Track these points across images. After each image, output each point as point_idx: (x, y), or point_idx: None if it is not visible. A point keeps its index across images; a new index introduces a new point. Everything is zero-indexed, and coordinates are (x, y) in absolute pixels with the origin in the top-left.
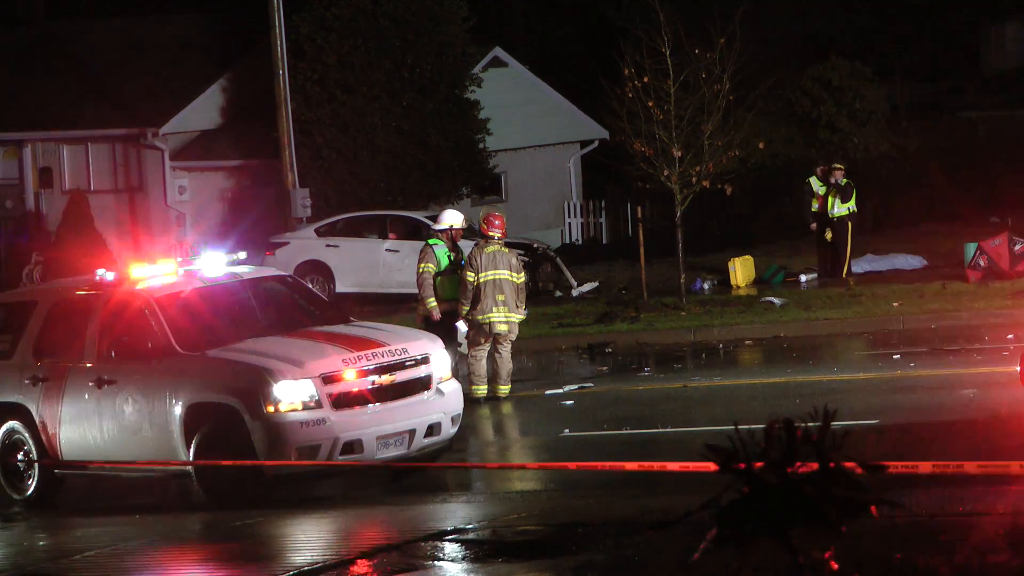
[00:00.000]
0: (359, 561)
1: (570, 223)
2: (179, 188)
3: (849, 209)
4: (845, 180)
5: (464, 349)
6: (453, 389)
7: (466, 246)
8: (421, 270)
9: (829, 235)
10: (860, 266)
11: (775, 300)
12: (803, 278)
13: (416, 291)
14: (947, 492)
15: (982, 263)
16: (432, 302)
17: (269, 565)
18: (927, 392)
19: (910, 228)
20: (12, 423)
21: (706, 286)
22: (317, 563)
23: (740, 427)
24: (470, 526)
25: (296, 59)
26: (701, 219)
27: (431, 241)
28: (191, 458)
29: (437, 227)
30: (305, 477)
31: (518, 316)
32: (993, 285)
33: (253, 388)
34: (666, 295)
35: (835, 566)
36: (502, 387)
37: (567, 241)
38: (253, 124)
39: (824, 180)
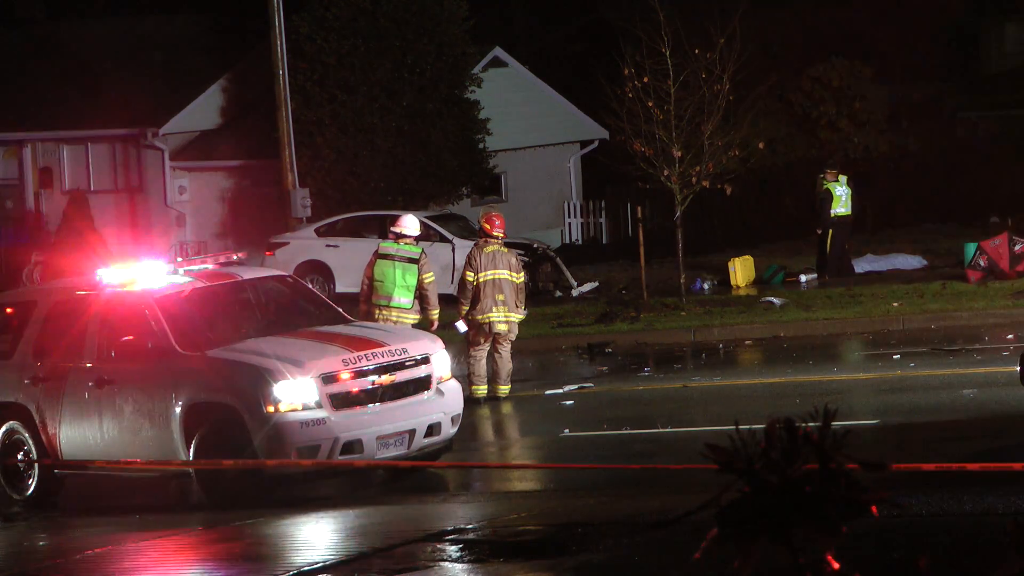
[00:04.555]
0: (359, 561)
1: (570, 223)
2: (179, 188)
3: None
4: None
5: None
6: (453, 389)
7: (466, 246)
8: (432, 279)
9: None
10: (860, 266)
11: (775, 300)
12: (803, 278)
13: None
14: (947, 492)
15: (982, 263)
16: (436, 312)
17: (269, 565)
18: (927, 392)
19: (910, 228)
20: (12, 423)
21: (706, 286)
22: (317, 563)
23: (741, 427)
24: (470, 526)
25: (296, 59)
26: (701, 219)
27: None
28: (191, 458)
29: (413, 233)
30: (305, 477)
31: (518, 316)
32: (993, 285)
33: (253, 388)
34: (666, 295)
35: (835, 566)
36: (502, 387)
37: (567, 241)
38: (253, 124)
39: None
